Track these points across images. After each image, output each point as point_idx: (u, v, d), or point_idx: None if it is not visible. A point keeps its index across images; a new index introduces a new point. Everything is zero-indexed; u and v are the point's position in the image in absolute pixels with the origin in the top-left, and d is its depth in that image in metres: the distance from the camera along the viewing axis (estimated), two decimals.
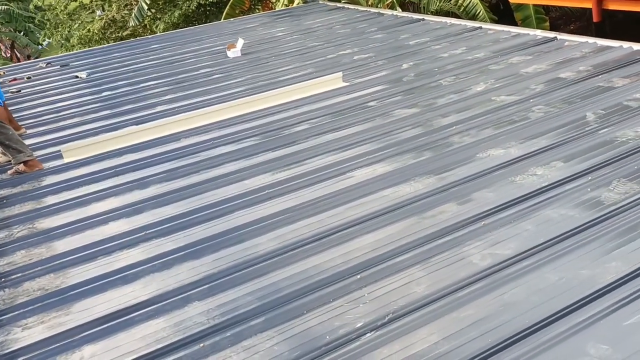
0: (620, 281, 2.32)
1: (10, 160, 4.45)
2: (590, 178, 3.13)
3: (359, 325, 2.31)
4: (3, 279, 3.03)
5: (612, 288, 2.29)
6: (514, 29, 6.52)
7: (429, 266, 2.62)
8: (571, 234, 2.68)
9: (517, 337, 2.12)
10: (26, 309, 2.75)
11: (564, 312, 2.19)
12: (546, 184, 3.12)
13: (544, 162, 3.37)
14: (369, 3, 10.13)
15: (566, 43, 5.67)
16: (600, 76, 4.62)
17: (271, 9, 11.80)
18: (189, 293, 2.70)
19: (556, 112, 4.07)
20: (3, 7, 16.89)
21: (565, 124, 3.85)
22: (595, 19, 6.70)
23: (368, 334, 2.26)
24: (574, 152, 3.44)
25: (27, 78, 7.42)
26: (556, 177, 3.17)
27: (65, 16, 14.59)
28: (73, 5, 14.49)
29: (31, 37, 18.68)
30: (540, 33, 6.13)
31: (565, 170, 3.25)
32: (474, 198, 3.13)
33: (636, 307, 2.18)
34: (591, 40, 5.56)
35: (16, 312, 2.74)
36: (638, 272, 2.36)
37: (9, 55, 19.75)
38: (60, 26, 14.68)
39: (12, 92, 6.72)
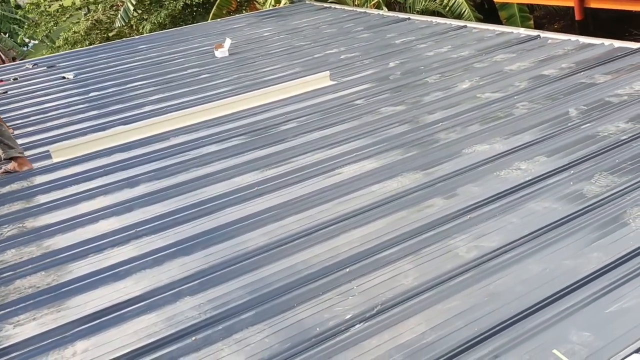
0: (601, 271, 2.39)
1: None
2: (572, 172, 3.20)
3: (348, 317, 2.36)
4: None
5: (594, 278, 2.36)
6: (498, 28, 6.61)
7: (417, 259, 2.67)
8: (554, 226, 2.75)
9: (502, 325, 2.17)
10: (18, 307, 2.76)
11: (548, 301, 2.26)
12: (530, 177, 3.19)
13: (528, 157, 3.45)
14: (356, 3, 10.19)
15: (549, 41, 5.76)
16: (582, 73, 4.71)
17: (257, 9, 11.81)
18: (180, 288, 2.73)
19: (540, 108, 4.15)
20: None
21: (548, 119, 3.93)
22: (577, 17, 6.82)
23: (357, 325, 2.30)
24: (557, 147, 3.51)
25: (13, 79, 7.38)
26: (540, 172, 3.24)
27: (47, 17, 14.45)
28: (55, 5, 14.36)
29: (16, 38, 18.50)
30: (523, 31, 6.23)
31: (548, 164, 3.32)
32: (459, 192, 3.20)
33: (616, 295, 2.25)
34: (573, 37, 5.67)
35: (8, 310, 2.75)
36: (618, 262, 2.43)
37: None
38: (43, 24, 14.53)
39: (0, 93, 6.68)
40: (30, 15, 15.75)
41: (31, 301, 2.79)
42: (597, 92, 4.26)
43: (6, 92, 6.79)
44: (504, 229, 2.78)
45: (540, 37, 5.90)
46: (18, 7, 17.05)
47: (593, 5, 6.67)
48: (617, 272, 2.38)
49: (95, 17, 13.93)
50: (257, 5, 12.11)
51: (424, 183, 3.36)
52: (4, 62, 18.15)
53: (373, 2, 9.54)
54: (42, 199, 3.91)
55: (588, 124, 3.76)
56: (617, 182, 3.03)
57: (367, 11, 8.75)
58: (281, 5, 10.44)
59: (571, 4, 6.86)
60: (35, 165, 4.53)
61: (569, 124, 3.80)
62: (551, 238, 2.67)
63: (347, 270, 2.67)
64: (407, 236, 2.86)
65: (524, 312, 2.22)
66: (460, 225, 2.87)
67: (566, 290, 2.32)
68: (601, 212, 2.80)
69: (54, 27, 14.25)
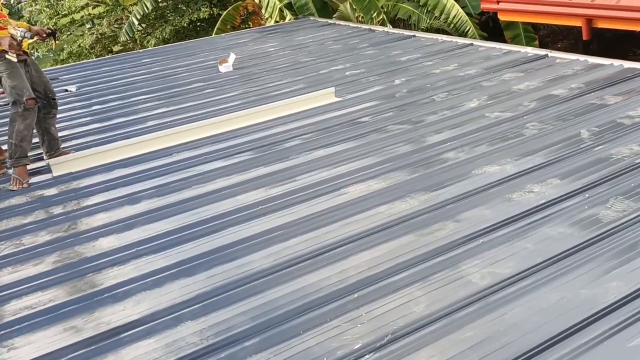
0: (621, 301, 2.29)
1: None
2: (587, 196, 3.12)
3: (357, 346, 2.26)
4: None
5: (614, 309, 2.26)
6: (504, 46, 6.57)
7: (427, 285, 2.58)
8: (570, 253, 2.65)
9: (520, 359, 2.07)
10: (12, 329, 2.66)
11: (567, 333, 2.16)
12: (543, 201, 3.10)
13: (540, 180, 3.36)
14: (359, 20, 10.20)
15: (557, 60, 5.72)
16: (592, 93, 4.65)
17: (262, 25, 11.83)
18: (181, 312, 2.63)
19: (550, 129, 4.08)
20: None
21: (559, 141, 3.86)
22: (585, 37, 6.79)
23: (367, 356, 2.20)
24: (570, 170, 3.43)
25: None
26: (553, 195, 3.15)
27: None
28: (64, 20, 14.39)
29: None
30: (531, 50, 6.19)
31: (561, 187, 3.24)
32: (470, 215, 3.10)
33: (639, 328, 2.15)
34: (582, 57, 5.62)
35: (2, 332, 2.64)
36: (639, 292, 2.33)
37: None
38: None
39: (0, 105, 6.62)
40: None
41: (26, 323, 2.69)
42: (609, 114, 4.19)
43: (8, 104, 6.73)
44: (518, 255, 2.69)
45: (548, 57, 5.86)
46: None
47: (600, 25, 6.65)
48: (638, 302, 2.28)
49: (100, 31, 13.96)
50: (261, 21, 12.14)
51: (433, 205, 3.27)
52: None
53: (377, 20, 9.53)
54: (40, 215, 3.82)
55: (601, 146, 3.68)
56: (634, 207, 2.94)
57: (372, 28, 8.74)
58: (285, 21, 10.45)
59: (578, 24, 6.84)
60: (34, 179, 4.45)
61: (581, 146, 3.72)
62: (567, 265, 2.57)
63: (356, 295, 2.57)
64: (417, 260, 2.76)
65: (542, 345, 2.12)
66: (472, 250, 2.78)
67: (585, 322, 2.22)
68: (619, 238, 2.71)
69: (60, 41, 14.26)
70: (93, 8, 14.39)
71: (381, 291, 2.58)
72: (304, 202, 3.54)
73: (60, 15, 14.26)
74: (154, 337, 2.49)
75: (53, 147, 4.78)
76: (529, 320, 2.26)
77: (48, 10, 14.33)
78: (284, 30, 9.45)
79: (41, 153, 4.89)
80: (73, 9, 14.10)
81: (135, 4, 11.51)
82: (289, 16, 10.57)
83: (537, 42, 9.17)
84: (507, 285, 2.49)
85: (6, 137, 4.51)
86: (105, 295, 2.82)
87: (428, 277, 2.63)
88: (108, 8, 14.06)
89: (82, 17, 14.22)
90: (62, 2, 14.43)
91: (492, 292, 2.45)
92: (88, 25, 14.72)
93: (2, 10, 4.48)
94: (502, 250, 2.74)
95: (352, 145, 4.38)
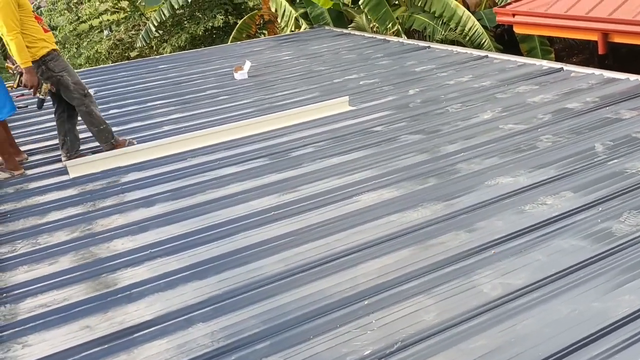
0: (633, 315, 2.28)
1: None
2: (600, 209, 3.11)
3: (366, 352, 2.27)
4: (5, 294, 2.98)
5: (626, 322, 2.26)
6: (520, 59, 6.57)
7: (438, 294, 2.58)
8: (582, 266, 2.65)
9: None
10: (27, 326, 2.70)
11: (578, 345, 2.15)
12: (556, 213, 3.10)
13: (553, 192, 3.36)
14: (374, 30, 10.25)
15: (572, 74, 5.71)
16: (607, 108, 4.64)
17: (277, 33, 11.93)
18: (193, 314, 2.66)
19: (564, 142, 4.08)
20: None
21: (573, 154, 3.85)
22: (600, 51, 6.77)
23: None
24: (584, 183, 3.42)
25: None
26: (566, 207, 3.15)
27: (74, 37, 14.71)
28: (83, 26, 14.63)
29: None
30: (546, 63, 6.19)
31: (575, 200, 3.23)
32: (482, 226, 3.11)
33: None
34: (597, 71, 5.61)
35: (17, 329, 2.69)
36: None
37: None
38: (67, 43, 14.80)
39: (19, 108, 6.73)
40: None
41: (41, 321, 2.73)
42: (624, 128, 4.17)
43: (27, 106, 6.85)
44: (530, 266, 2.68)
45: (563, 70, 5.85)
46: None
47: (617, 40, 6.63)
48: None
49: (117, 37, 14.15)
50: (277, 30, 12.24)
51: (445, 215, 3.28)
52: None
53: (392, 30, 9.57)
54: (57, 215, 3.88)
55: (615, 160, 3.67)
56: None
57: (387, 38, 8.79)
58: (301, 30, 10.53)
59: (594, 39, 6.82)
60: (52, 180, 4.52)
61: (595, 160, 3.71)
62: (579, 278, 2.57)
63: (366, 302, 2.59)
64: (428, 269, 2.77)
65: (553, 357, 2.12)
66: (483, 261, 2.78)
67: (597, 335, 2.21)
68: (631, 252, 2.70)
69: (80, 46, 14.49)
70: (112, 14, 14.62)
71: (392, 299, 2.59)
72: (315, 209, 3.56)
73: (80, 21, 14.49)
74: (166, 338, 2.51)
75: (74, 148, 4.89)
76: (540, 332, 2.25)
77: (68, 13, 14.57)
78: (299, 39, 9.52)
79: (57, 156, 4.97)
80: (93, 14, 14.32)
81: (154, 10, 11.65)
82: (304, 25, 10.65)
83: (552, 56, 9.16)
84: (519, 296, 2.49)
85: (88, 130, 4.95)
86: (119, 295, 2.86)
87: (439, 286, 2.64)
88: (126, 15, 14.26)
89: (100, 22, 14.43)
90: (82, 7, 14.67)
91: (503, 302, 2.45)
92: (106, 32, 14.94)
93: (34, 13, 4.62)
94: (514, 262, 2.74)
95: (364, 153, 4.40)
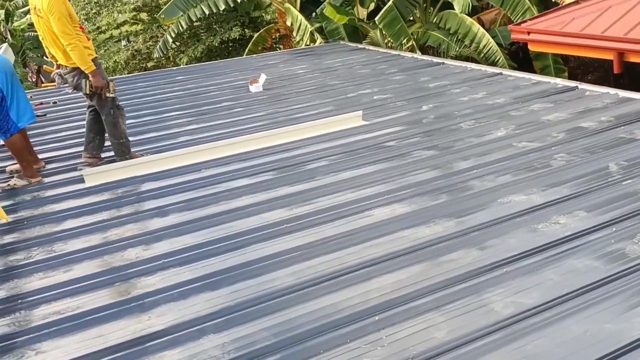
0: None
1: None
2: (614, 229, 3.09)
3: None
4: (20, 301, 3.02)
5: (639, 345, 2.24)
6: (534, 77, 6.58)
7: (450, 312, 2.58)
8: (596, 286, 2.63)
9: None
10: (41, 333, 2.74)
11: None
12: (569, 233, 3.09)
13: (566, 211, 3.35)
14: (389, 45, 10.32)
15: (587, 93, 5.70)
16: (622, 127, 4.63)
17: (292, 47, 12.05)
18: (204, 325, 2.68)
19: (578, 161, 4.07)
20: (32, 33, 17.43)
21: (587, 173, 3.84)
22: (615, 70, 6.75)
23: None
24: (597, 203, 3.41)
25: (53, 103, 7.58)
26: (580, 227, 3.14)
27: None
28: (101, 36, 14.89)
29: None
30: (561, 81, 6.19)
31: (588, 220, 3.22)
32: (495, 244, 3.10)
33: None
34: (612, 91, 5.59)
35: (31, 335, 2.72)
36: None
37: (34, 79, 20.22)
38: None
39: (37, 116, 6.85)
40: None
41: (54, 328, 2.77)
42: (638, 148, 4.15)
43: (45, 115, 6.97)
44: (543, 286, 2.67)
45: (578, 88, 5.85)
46: None
47: (632, 59, 6.61)
48: None
49: (135, 48, 14.38)
50: (292, 43, 12.36)
51: (457, 231, 3.28)
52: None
53: (407, 46, 9.63)
54: (73, 223, 3.93)
55: (629, 181, 3.65)
56: None
57: (401, 54, 8.84)
58: (316, 44, 10.63)
59: (610, 57, 6.81)
60: (68, 188, 4.59)
61: (609, 180, 3.70)
62: (592, 298, 2.55)
63: (377, 318, 2.59)
64: (439, 286, 2.77)
65: None
66: (495, 279, 2.77)
67: (610, 357, 2.20)
68: None
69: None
70: (130, 25, 14.87)
71: (403, 315, 2.59)
72: (328, 223, 3.58)
73: (99, 31, 14.75)
74: (178, 348, 2.53)
75: (100, 150, 5.07)
76: (551, 352, 2.24)
77: (87, 23, 14.84)
78: (314, 53, 9.61)
79: (75, 164, 5.05)
80: (112, 24, 14.58)
81: (172, 22, 11.84)
82: (319, 40, 10.75)
83: (566, 74, 9.16)
84: (531, 315, 2.48)
85: (110, 138, 4.99)
86: (133, 304, 2.89)
87: (450, 303, 2.63)
88: (145, 26, 14.50)
89: (120, 33, 14.68)
90: (100, 17, 14.94)
91: (515, 321, 2.45)
92: (124, 42, 15.18)
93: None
94: (526, 280, 2.74)
95: (377, 168, 4.42)
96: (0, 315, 2.91)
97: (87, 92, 4.80)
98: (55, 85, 5.86)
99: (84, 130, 5.16)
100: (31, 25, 17.04)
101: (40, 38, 4.84)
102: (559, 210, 3.38)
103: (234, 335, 2.59)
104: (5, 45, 11.19)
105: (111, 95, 4.82)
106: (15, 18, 17.59)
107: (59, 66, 4.88)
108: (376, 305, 2.68)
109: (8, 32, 17.04)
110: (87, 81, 4.72)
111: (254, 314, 2.73)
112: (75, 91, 5.13)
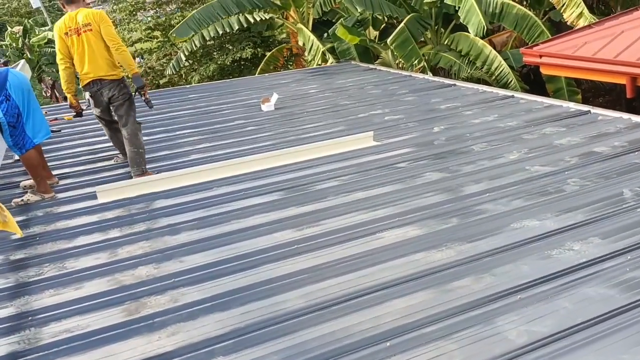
0: None
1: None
2: (629, 257, 3.05)
3: None
4: (30, 318, 3.02)
5: None
6: (546, 100, 6.57)
7: (462, 339, 2.54)
8: (611, 315, 2.59)
9: None
10: (50, 351, 2.73)
11: None
12: (584, 260, 3.05)
13: (581, 237, 3.31)
14: (400, 66, 10.37)
15: (600, 117, 5.68)
16: (636, 153, 4.59)
17: (304, 66, 12.14)
18: (214, 347, 2.66)
19: (592, 186, 4.03)
20: (49, 49, 17.74)
21: (601, 199, 3.80)
22: (628, 95, 6.74)
23: None
24: (612, 229, 3.37)
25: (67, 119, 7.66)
26: (594, 254, 3.10)
27: None
28: None
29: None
30: (573, 105, 6.17)
31: (603, 247, 3.18)
32: (508, 270, 3.07)
33: None
34: (625, 115, 5.57)
35: (40, 354, 2.72)
36: None
37: (49, 94, 20.49)
38: None
39: (52, 132, 6.93)
40: None
41: (64, 346, 2.76)
42: None
43: (60, 130, 7.05)
44: (557, 314, 2.64)
45: (590, 113, 5.82)
46: None
47: None
48: None
49: (149, 65, 14.55)
50: (304, 63, 12.46)
51: (470, 256, 3.25)
52: (58, 101, 19.02)
53: (418, 67, 9.68)
54: (84, 240, 3.95)
55: None
56: None
57: (412, 75, 8.87)
58: (328, 64, 10.71)
59: (622, 82, 6.80)
60: (81, 205, 4.61)
61: (624, 206, 3.66)
62: (608, 328, 2.51)
63: (388, 344, 2.56)
64: (451, 313, 2.74)
65: None
66: (508, 306, 2.74)
67: None
68: None
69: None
70: (144, 42, 15.07)
71: (414, 342, 2.56)
72: (339, 244, 3.57)
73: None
74: None
75: (145, 161, 5.22)
76: None
77: None
78: (326, 73, 9.68)
79: (87, 180, 5.09)
80: (127, 42, 14.77)
81: (185, 41, 11.99)
82: (331, 60, 10.84)
83: (579, 97, 9.13)
84: (545, 344, 2.44)
85: (129, 148, 5.17)
86: (142, 324, 2.88)
87: (462, 330, 2.60)
88: (158, 44, 14.69)
89: (135, 51, 14.87)
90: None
91: (528, 350, 2.41)
92: (138, 59, 15.37)
93: None
94: (540, 308, 2.70)
95: (388, 189, 4.41)
96: (11, 333, 2.91)
97: (129, 97, 5.11)
98: (70, 118, 6.47)
99: (115, 147, 5.51)
100: (50, 41, 17.34)
101: (77, 56, 4.97)
102: (573, 236, 3.34)
103: (243, 358, 2.57)
104: (22, 61, 11.38)
105: (148, 96, 5.26)
106: (33, 34, 17.90)
107: (89, 84, 5.04)
108: (387, 330, 2.65)
109: (26, 48, 17.34)
110: (132, 87, 5.08)
111: (264, 337, 2.71)
112: (94, 108, 5.27)
